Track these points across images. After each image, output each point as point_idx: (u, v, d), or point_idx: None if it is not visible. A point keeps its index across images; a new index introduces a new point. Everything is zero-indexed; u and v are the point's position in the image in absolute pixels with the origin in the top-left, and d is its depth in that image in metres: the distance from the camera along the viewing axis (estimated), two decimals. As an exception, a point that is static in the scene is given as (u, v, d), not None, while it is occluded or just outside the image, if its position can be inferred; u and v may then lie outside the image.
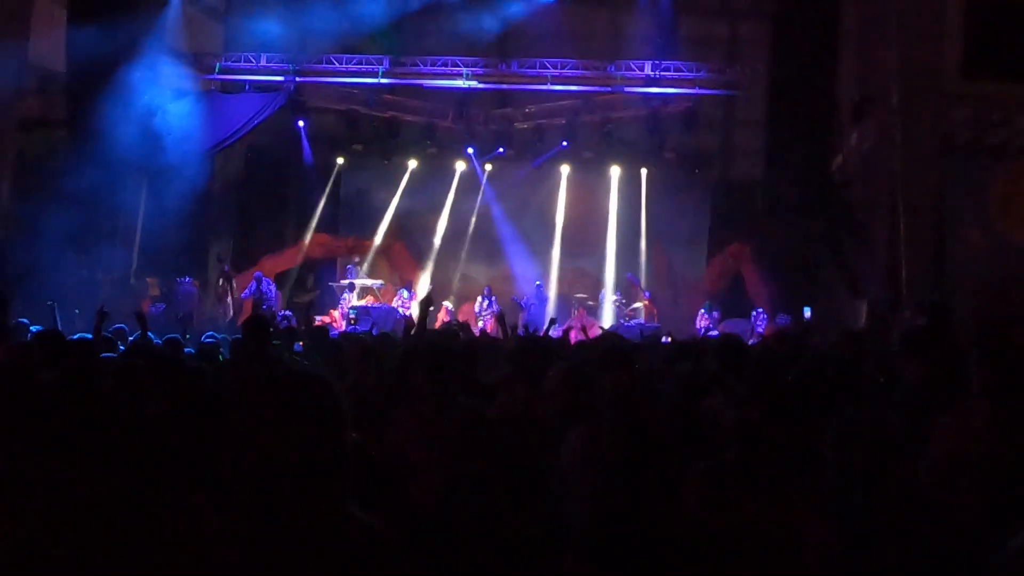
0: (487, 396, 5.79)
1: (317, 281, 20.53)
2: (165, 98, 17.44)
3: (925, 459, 3.78)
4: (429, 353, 4.85)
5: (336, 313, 18.68)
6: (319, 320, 16.93)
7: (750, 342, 12.79)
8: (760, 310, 18.06)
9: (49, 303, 8.85)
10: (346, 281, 19.26)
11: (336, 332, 13.33)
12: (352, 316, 17.48)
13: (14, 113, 15.64)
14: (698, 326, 18.29)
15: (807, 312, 17.14)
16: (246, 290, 17.91)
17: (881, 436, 3.33)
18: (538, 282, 19.48)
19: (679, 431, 4.82)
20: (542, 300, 19.06)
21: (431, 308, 8.06)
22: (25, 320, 8.15)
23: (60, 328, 7.26)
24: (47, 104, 16.67)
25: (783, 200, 16.15)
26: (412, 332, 7.49)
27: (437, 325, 15.46)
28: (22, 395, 3.46)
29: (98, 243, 15.93)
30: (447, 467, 4.62)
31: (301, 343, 8.60)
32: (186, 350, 7.57)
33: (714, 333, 16.37)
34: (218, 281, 18.15)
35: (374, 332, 9.82)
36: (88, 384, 4.62)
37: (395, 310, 18.23)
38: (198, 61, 18.54)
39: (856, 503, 3.33)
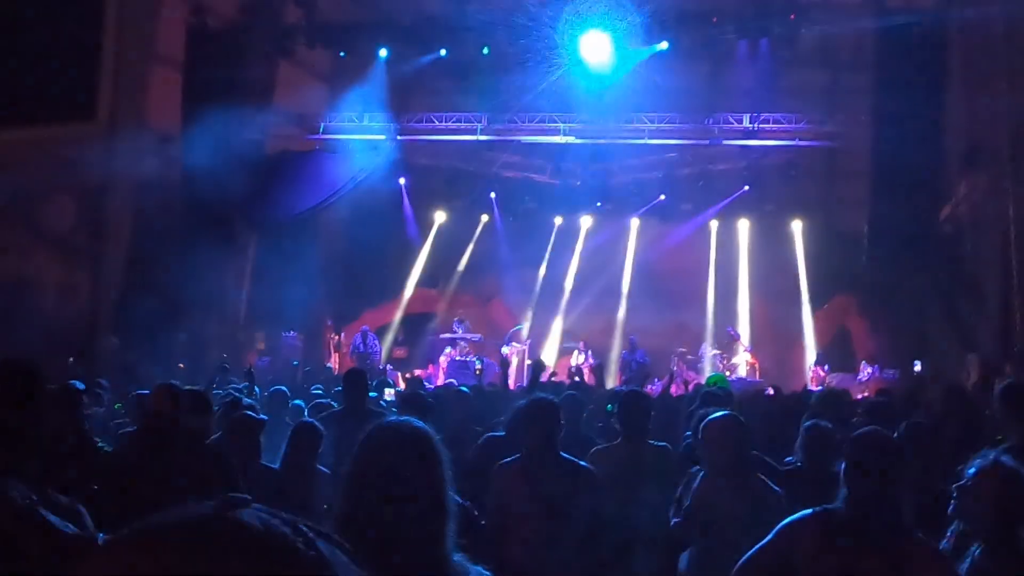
0: (586, 448, 5.79)
1: (414, 335, 20.74)
2: (273, 157, 18.06)
3: None
4: (536, 409, 4.86)
5: (443, 362, 18.89)
6: (419, 373, 17.16)
7: (858, 396, 12.43)
8: (865, 363, 17.57)
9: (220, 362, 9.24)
10: (447, 335, 19.48)
11: (434, 384, 13.48)
12: (479, 367, 17.67)
13: (133, 176, 16.39)
14: (814, 381, 17.89)
15: (917, 366, 16.61)
16: (352, 344, 18.24)
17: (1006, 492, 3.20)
18: (632, 336, 19.29)
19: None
20: (636, 355, 18.87)
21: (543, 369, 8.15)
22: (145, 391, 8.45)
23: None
24: (164, 165, 17.43)
25: (889, 251, 15.76)
26: (526, 387, 7.60)
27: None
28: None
29: (208, 298, 16.47)
30: (549, 521, 4.61)
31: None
32: (294, 402, 7.78)
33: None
34: (325, 336, 18.55)
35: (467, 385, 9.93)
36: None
37: (493, 364, 18.34)
38: (303, 121, 19.16)
39: (977, 562, 3.20)
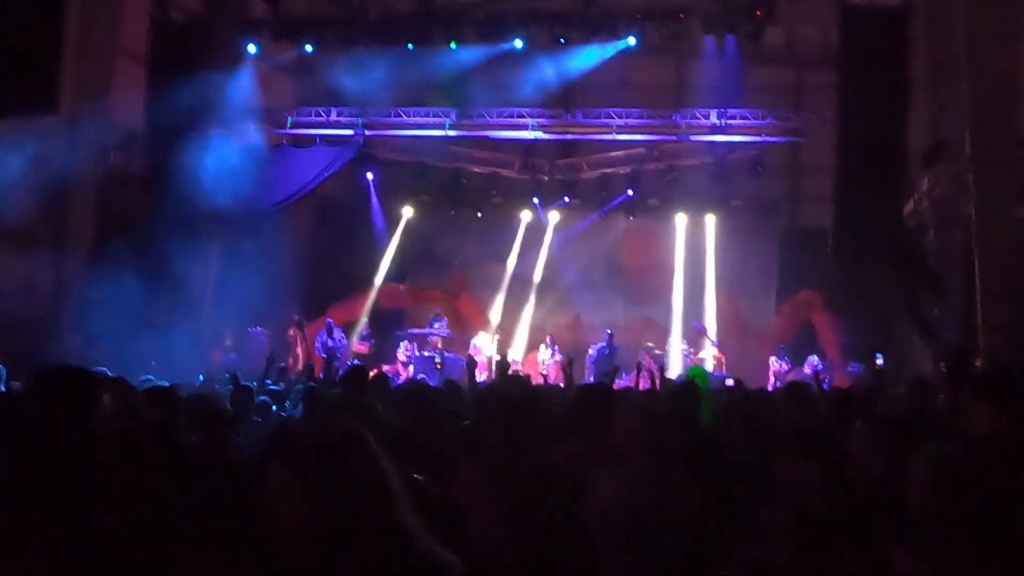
0: (548, 445, 5.78)
1: (382, 331, 20.63)
2: (239, 153, 17.91)
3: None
4: (499, 404, 4.86)
5: (400, 356, 18.83)
6: (387, 368, 17.09)
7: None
8: (812, 357, 17.79)
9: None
10: (417, 331, 19.46)
11: (399, 381, 13.43)
12: (438, 362, 17.58)
13: (97, 170, 16.21)
14: (772, 374, 18.08)
15: (879, 359, 16.79)
16: (317, 338, 18.15)
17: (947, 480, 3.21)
18: (609, 330, 19.32)
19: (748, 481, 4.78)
20: (614, 349, 18.91)
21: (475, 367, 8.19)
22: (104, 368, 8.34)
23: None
24: (128, 161, 17.26)
25: (854, 247, 15.90)
26: (487, 382, 7.61)
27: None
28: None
29: (174, 295, 16.31)
30: (511, 517, 4.61)
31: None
32: (260, 398, 7.73)
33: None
34: (289, 331, 18.41)
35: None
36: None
37: (461, 359, 18.30)
38: (270, 116, 19.03)
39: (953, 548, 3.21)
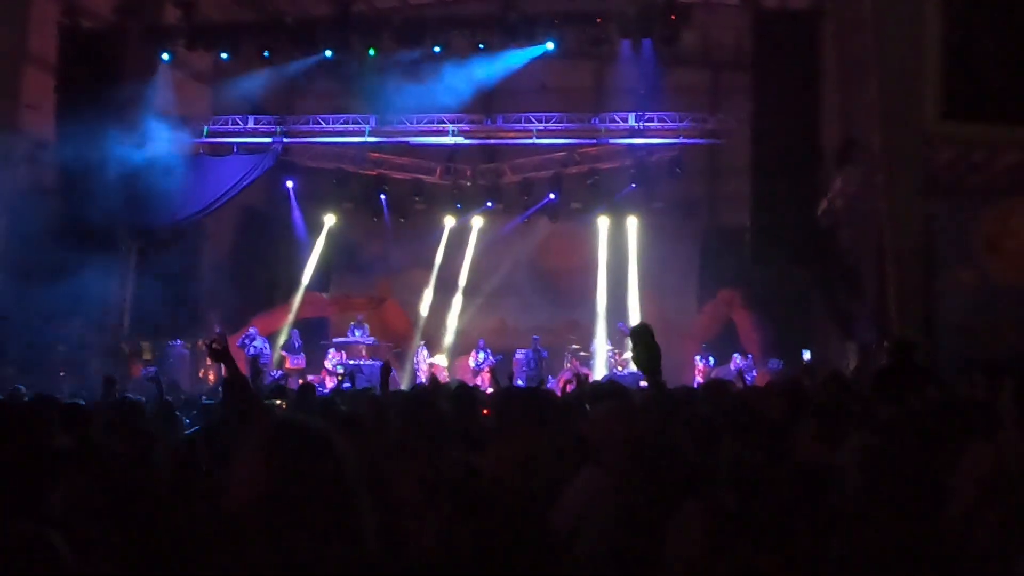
0: (480, 448, 5.78)
1: (307, 340, 20.36)
2: (154, 162, 17.54)
3: (954, 487, 3.86)
4: (405, 409, 4.87)
5: (327, 366, 18.63)
6: (312, 379, 16.86)
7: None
8: (737, 356, 18.10)
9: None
10: (340, 340, 19.27)
11: (325, 391, 13.28)
12: (340, 372, 17.30)
13: (5, 181, 15.72)
14: (698, 373, 18.33)
15: (806, 355, 17.18)
16: (243, 347, 17.82)
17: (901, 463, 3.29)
18: (535, 336, 19.37)
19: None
20: (541, 355, 18.96)
21: (391, 373, 8.14)
22: (21, 387, 8.13)
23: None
24: (37, 172, 16.77)
25: (771, 246, 16.21)
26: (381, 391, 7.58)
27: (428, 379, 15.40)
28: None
29: (89, 308, 15.90)
30: (442, 519, 4.61)
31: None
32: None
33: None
34: (210, 343, 18.02)
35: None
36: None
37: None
38: (186, 124, 18.67)
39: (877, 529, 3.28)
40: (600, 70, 20.49)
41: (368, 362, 18.31)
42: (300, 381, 16.73)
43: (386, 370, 7.74)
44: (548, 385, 15.09)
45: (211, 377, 17.32)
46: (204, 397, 10.22)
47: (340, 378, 15.80)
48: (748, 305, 19.75)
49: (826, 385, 6.36)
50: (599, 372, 18.63)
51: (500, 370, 14.43)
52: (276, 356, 19.38)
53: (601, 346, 20.01)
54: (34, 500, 3.40)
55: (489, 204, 21.36)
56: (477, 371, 18.50)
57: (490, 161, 21.35)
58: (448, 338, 21.20)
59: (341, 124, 18.90)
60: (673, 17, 16.46)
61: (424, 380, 16.57)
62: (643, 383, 11.90)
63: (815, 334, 18.00)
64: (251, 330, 18.61)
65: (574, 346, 19.70)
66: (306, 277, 21.16)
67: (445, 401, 5.33)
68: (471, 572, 3.87)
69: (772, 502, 3.51)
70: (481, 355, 19.01)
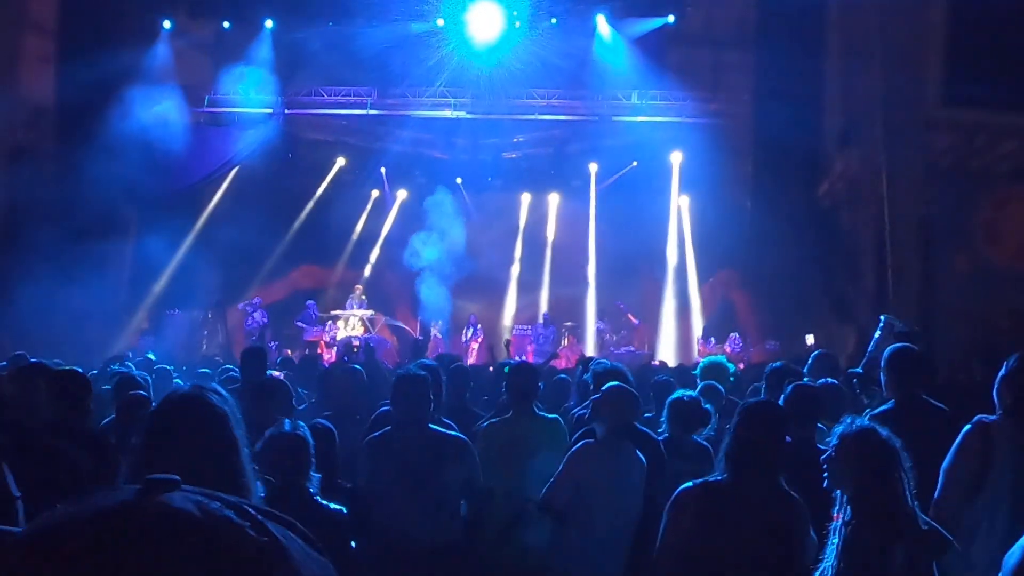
0: (472, 421, 5.85)
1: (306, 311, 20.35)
2: (155, 131, 17.48)
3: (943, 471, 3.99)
4: (403, 383, 4.91)
5: (325, 341, 18.61)
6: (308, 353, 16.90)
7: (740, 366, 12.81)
8: (735, 336, 18.11)
9: None
10: (338, 312, 19.21)
11: (326, 362, 13.32)
12: (356, 344, 17.27)
13: (3, 147, 15.68)
14: (700, 352, 18.34)
15: (810, 338, 17.15)
16: (245, 316, 17.83)
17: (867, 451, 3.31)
18: (544, 311, 19.39)
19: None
20: (549, 329, 18.93)
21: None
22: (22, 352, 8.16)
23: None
24: (37, 138, 16.70)
25: (771, 227, 16.22)
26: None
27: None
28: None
29: (88, 276, 15.89)
30: (415, 492, 4.68)
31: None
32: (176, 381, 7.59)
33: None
34: (207, 314, 18.08)
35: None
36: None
37: (386, 340, 18.20)
38: (188, 94, 18.58)
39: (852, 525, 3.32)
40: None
41: (367, 336, 18.29)
42: (301, 352, 16.84)
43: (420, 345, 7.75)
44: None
45: (205, 347, 17.36)
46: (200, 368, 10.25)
47: (355, 349, 15.64)
48: (746, 286, 19.74)
49: (817, 366, 6.40)
50: (592, 349, 18.61)
51: (496, 345, 14.44)
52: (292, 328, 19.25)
53: (591, 323, 20.00)
54: None
55: (489, 179, 21.32)
56: (466, 346, 18.55)
57: (491, 136, 21.27)
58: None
59: (343, 96, 18.84)
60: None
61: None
62: (656, 362, 11.97)
63: (813, 317, 18.03)
64: (255, 299, 18.54)
65: (569, 323, 19.71)
66: (304, 249, 21.08)
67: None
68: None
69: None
70: (471, 331, 19.01)
